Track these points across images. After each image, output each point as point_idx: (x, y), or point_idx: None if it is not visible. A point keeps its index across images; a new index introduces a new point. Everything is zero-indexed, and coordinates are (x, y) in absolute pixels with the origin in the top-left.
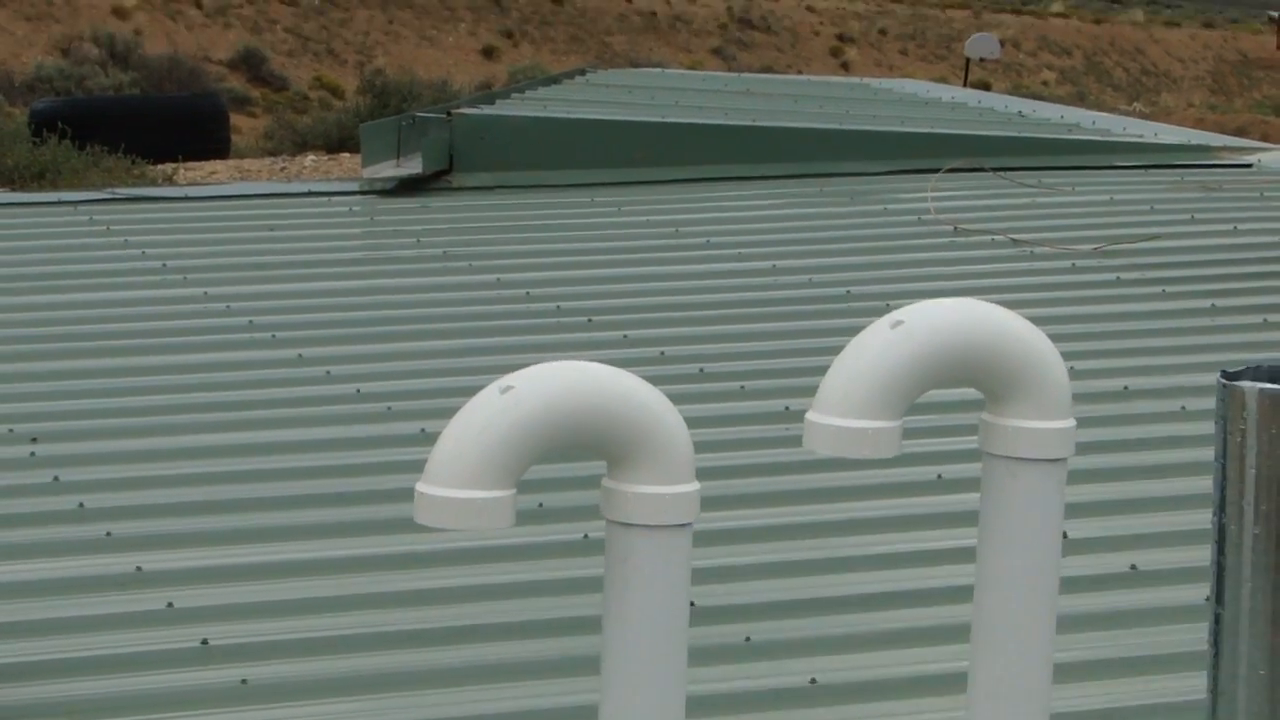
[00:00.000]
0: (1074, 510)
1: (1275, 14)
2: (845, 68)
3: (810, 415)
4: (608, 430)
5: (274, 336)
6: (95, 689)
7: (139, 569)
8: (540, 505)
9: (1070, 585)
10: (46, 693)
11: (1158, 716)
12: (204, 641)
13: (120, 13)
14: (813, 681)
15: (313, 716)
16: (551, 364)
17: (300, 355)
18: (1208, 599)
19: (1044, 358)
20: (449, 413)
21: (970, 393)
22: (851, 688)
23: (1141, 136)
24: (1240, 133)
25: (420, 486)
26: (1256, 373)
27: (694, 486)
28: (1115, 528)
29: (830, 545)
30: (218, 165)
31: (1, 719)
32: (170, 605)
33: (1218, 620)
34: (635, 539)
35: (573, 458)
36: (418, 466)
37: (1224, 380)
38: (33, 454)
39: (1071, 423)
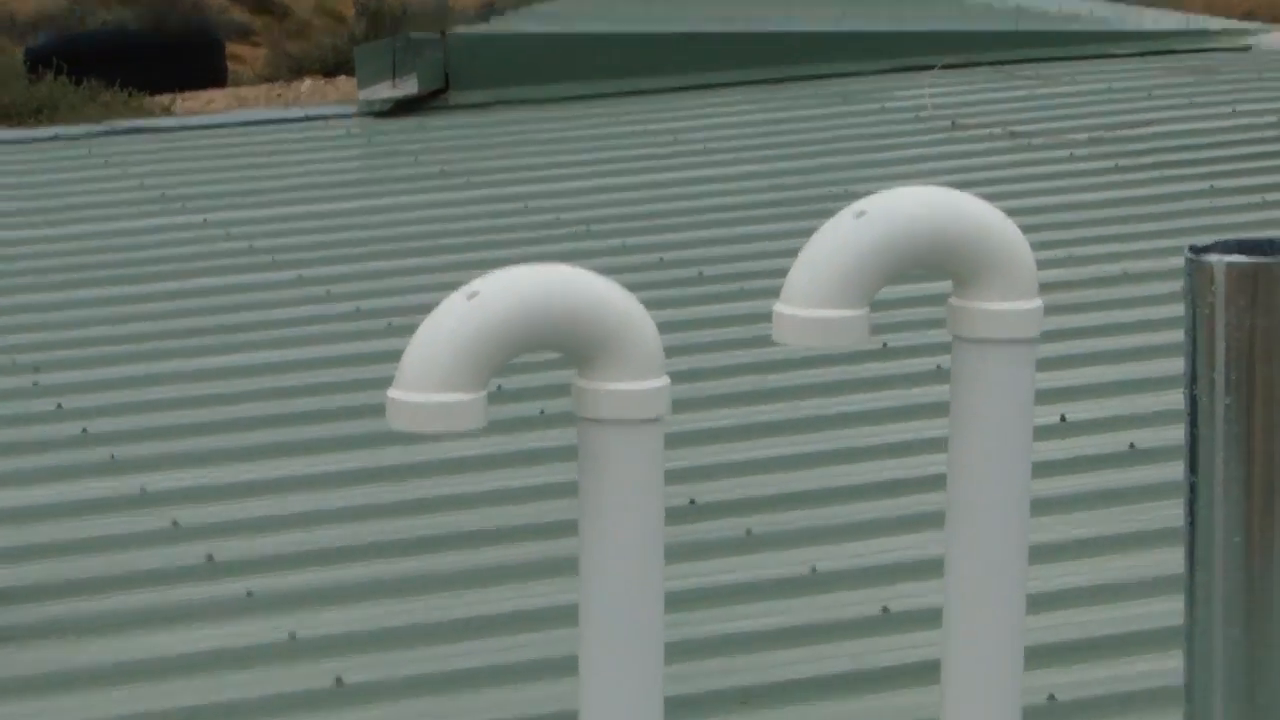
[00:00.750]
0: (1073, 393)
1: None
2: None
3: (777, 307)
4: (574, 331)
5: (273, 259)
6: (104, 606)
7: (143, 490)
8: (542, 412)
9: (1070, 466)
10: (56, 612)
11: (1153, 590)
12: (209, 557)
13: None
14: (813, 570)
15: (317, 625)
16: (516, 268)
17: (300, 276)
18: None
19: (1009, 240)
20: None
21: None
22: (852, 574)
23: (1139, 24)
24: (1249, 15)
25: (391, 392)
26: (1225, 246)
27: (664, 382)
28: (1114, 408)
29: (829, 438)
30: (215, 94)
31: (13, 638)
32: (175, 524)
33: (1193, 490)
34: (608, 434)
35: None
36: None
37: (1191, 254)
38: (35, 383)
39: (1038, 303)
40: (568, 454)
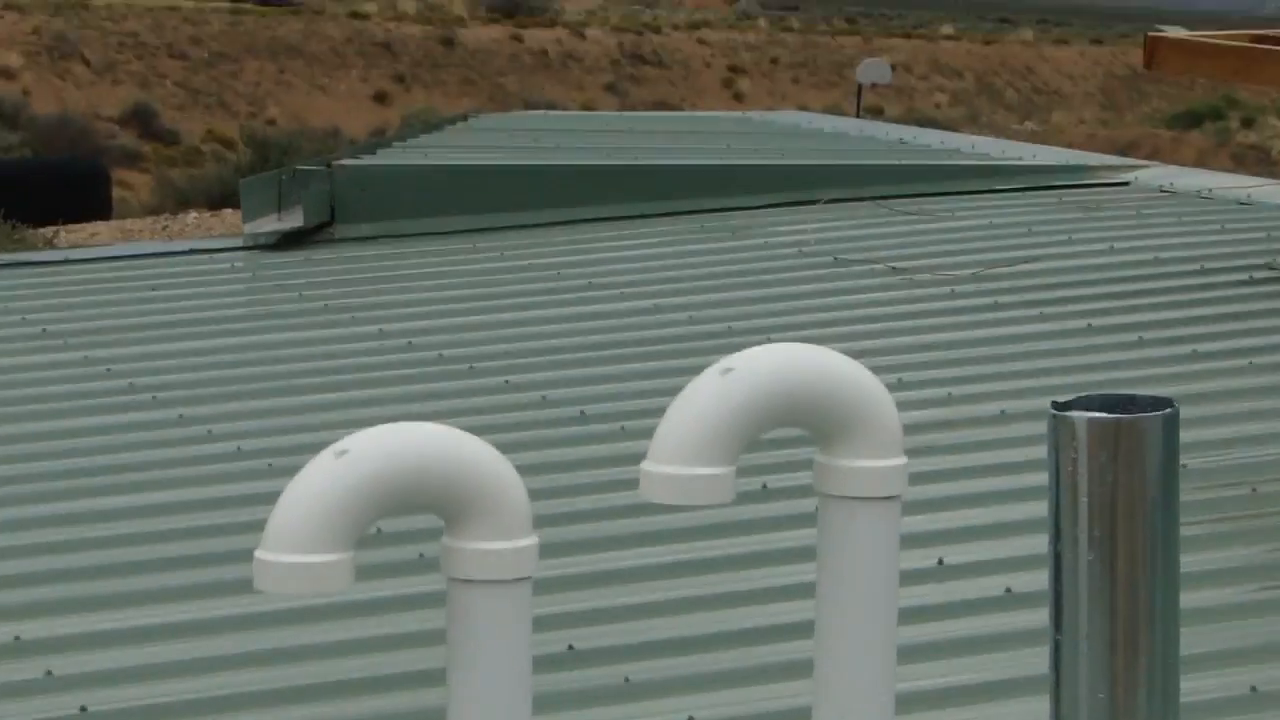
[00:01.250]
0: (951, 536)
1: (1161, 29)
2: (738, 98)
3: (645, 465)
4: (444, 491)
5: (154, 398)
6: None
7: (17, 638)
8: (421, 556)
9: (947, 611)
10: None
11: None
12: (83, 709)
13: (7, 73)
14: (689, 719)
15: None
16: (384, 426)
17: (181, 415)
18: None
19: (873, 398)
20: None
21: None
22: None
23: (1020, 159)
24: (1131, 146)
25: (259, 553)
26: (1087, 402)
27: (532, 540)
28: (991, 551)
29: (709, 582)
30: (100, 226)
31: None
32: (49, 673)
33: (1057, 647)
34: (476, 593)
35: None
36: None
37: (1054, 410)
38: None
39: (903, 460)
40: (440, 600)
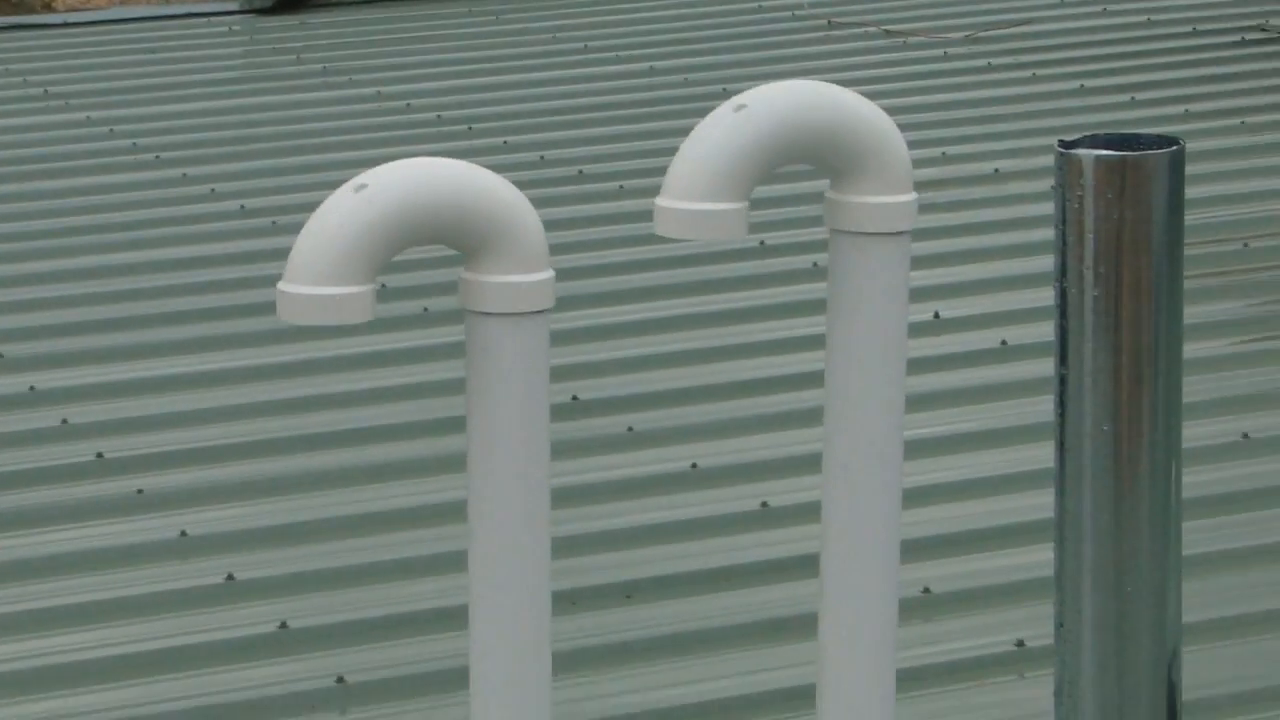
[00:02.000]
0: (946, 290)
1: None
2: None
3: (659, 201)
4: (461, 223)
5: (157, 157)
6: None
7: (32, 388)
8: (425, 310)
9: (943, 362)
10: None
11: (1025, 484)
12: (99, 455)
13: None
14: (693, 466)
15: (207, 523)
16: (403, 161)
17: (185, 174)
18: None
19: (885, 134)
20: None
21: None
22: (731, 470)
23: None
24: None
25: (281, 285)
26: (1093, 140)
27: (549, 274)
28: (986, 305)
29: (709, 335)
30: None
31: None
32: (65, 421)
33: (1063, 382)
34: (495, 325)
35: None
36: None
37: (1061, 149)
38: None
39: (913, 196)
40: (451, 351)
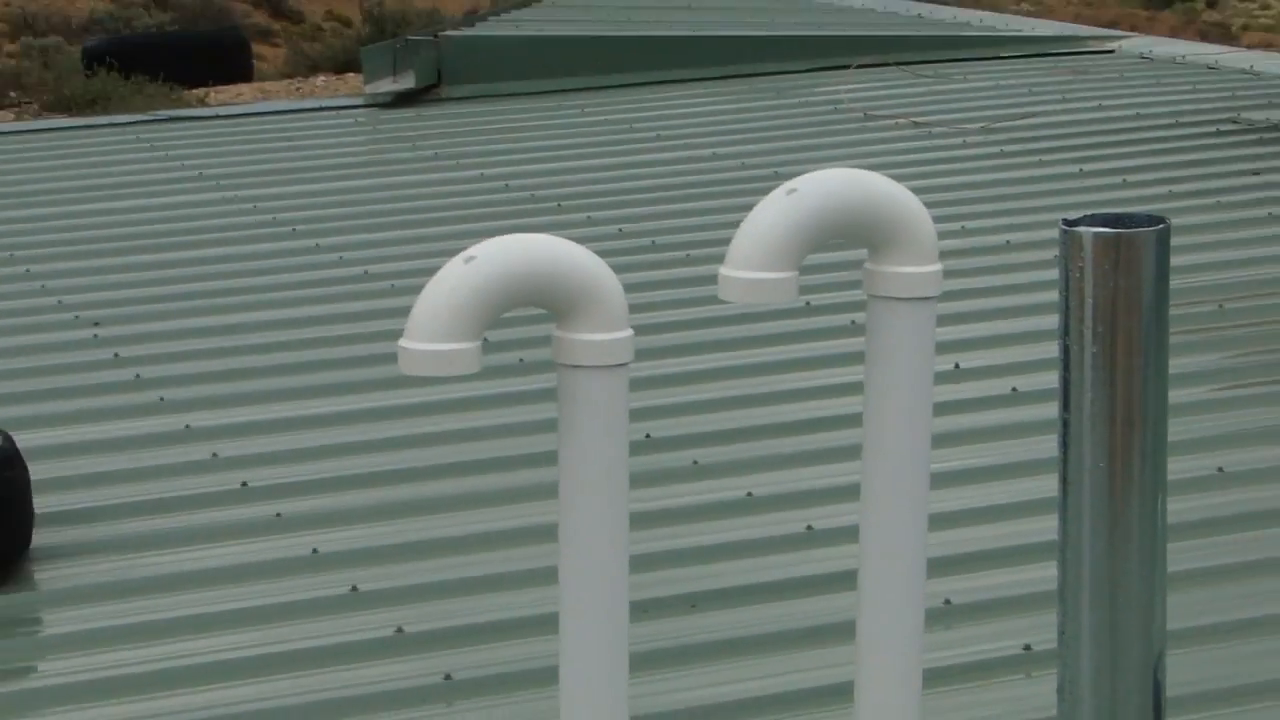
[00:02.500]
0: (965, 345)
1: None
2: None
3: (722, 270)
4: (554, 289)
5: (294, 230)
6: (157, 526)
7: (188, 427)
8: (520, 360)
9: (962, 406)
10: (122, 530)
11: (1032, 510)
12: (244, 484)
13: None
14: (749, 494)
15: (336, 542)
16: (506, 236)
17: (317, 244)
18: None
19: (914, 213)
20: None
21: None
22: (781, 497)
23: (1021, 31)
24: (1112, 23)
25: (402, 342)
26: (1092, 219)
27: (629, 333)
28: (999, 357)
29: (762, 383)
30: (243, 88)
31: (87, 552)
32: (214, 456)
33: (1065, 425)
34: (584, 377)
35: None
36: None
37: (1064, 226)
38: (95, 336)
39: (938, 267)
40: (543, 395)
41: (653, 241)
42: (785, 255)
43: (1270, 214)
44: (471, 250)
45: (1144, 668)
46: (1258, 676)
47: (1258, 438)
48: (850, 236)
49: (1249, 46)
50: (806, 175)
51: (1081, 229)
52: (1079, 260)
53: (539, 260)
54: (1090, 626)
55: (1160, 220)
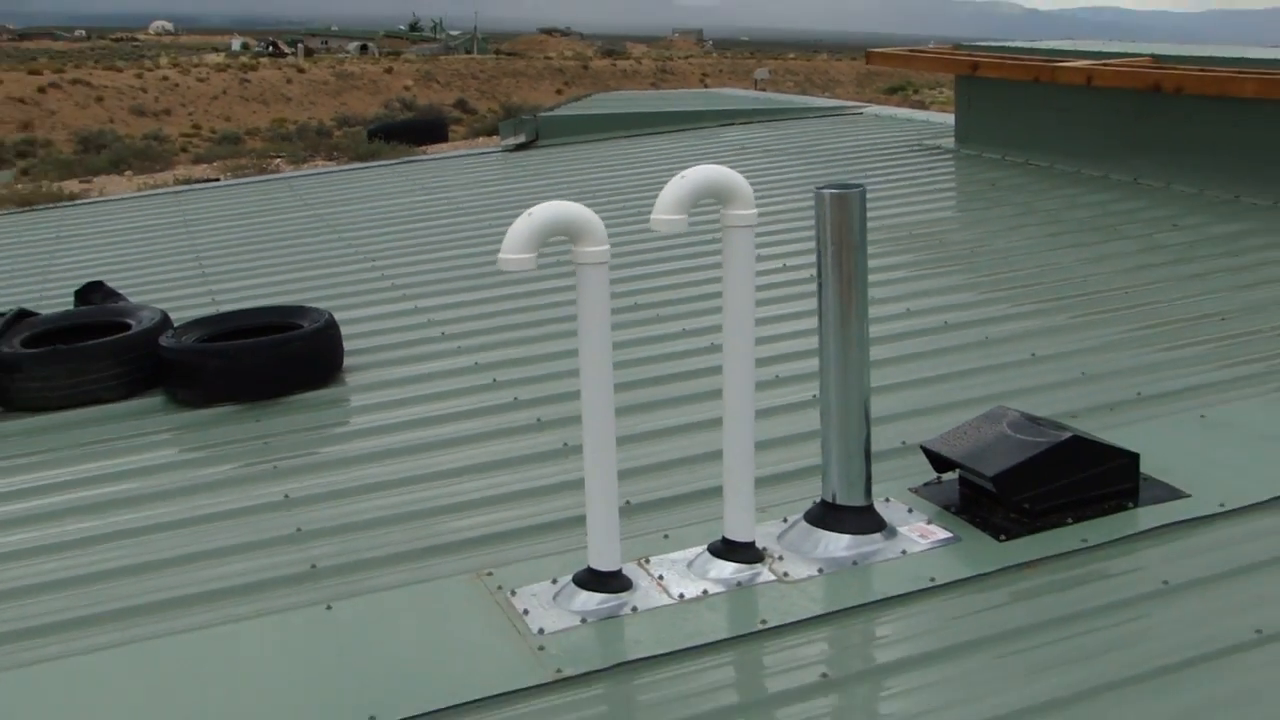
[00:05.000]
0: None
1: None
2: (706, 85)
3: (652, 215)
4: (570, 226)
5: (460, 208)
6: (405, 372)
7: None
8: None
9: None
10: (378, 373)
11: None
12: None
13: (406, 89)
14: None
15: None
16: (548, 203)
17: (477, 220)
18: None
19: (742, 184)
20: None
21: None
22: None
23: (818, 105)
24: (867, 101)
25: (500, 255)
26: (828, 186)
27: (607, 247)
28: (794, 267)
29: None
30: (443, 146)
31: (364, 370)
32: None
33: (821, 320)
34: (587, 271)
35: None
36: None
37: (817, 190)
38: (380, 273)
39: (755, 211)
40: None
41: (638, 210)
42: (682, 205)
43: (931, 186)
44: (530, 210)
45: (860, 414)
46: None
47: (930, 294)
48: (714, 195)
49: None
50: (697, 166)
51: (824, 191)
52: (823, 207)
53: (562, 212)
54: (835, 389)
55: (860, 186)
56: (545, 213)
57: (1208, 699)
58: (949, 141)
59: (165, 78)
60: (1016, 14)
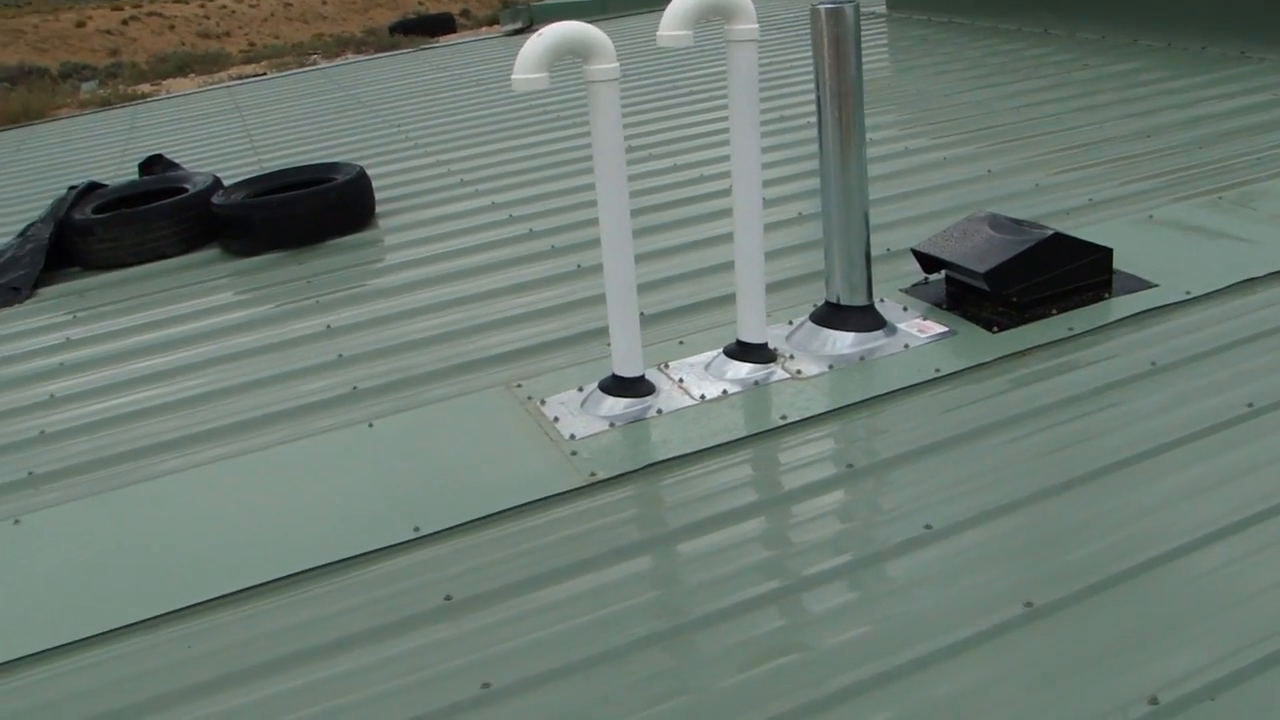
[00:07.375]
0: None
1: None
2: None
3: (659, 31)
4: (582, 45)
5: (477, 83)
6: (432, 213)
7: (462, 180)
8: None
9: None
10: (408, 217)
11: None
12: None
13: (420, 3)
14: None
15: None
16: (559, 22)
17: (489, 90)
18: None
19: (745, 2)
20: None
21: None
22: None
23: None
24: None
25: (513, 75)
26: (823, 3)
27: (616, 64)
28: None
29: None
30: (452, 36)
31: (392, 215)
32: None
33: (821, 146)
34: (597, 89)
35: None
36: None
37: (814, 5)
38: (413, 143)
39: (756, 25)
40: None
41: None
42: (689, 20)
43: (868, 44)
44: (541, 30)
45: (861, 220)
46: None
47: (880, 129)
48: (718, 14)
49: None
50: (552, 24)
51: (820, 7)
52: (818, 21)
53: (572, 31)
54: (837, 197)
55: (854, 1)
56: (556, 32)
57: (1211, 471)
58: (880, 7)
59: (224, 6)
60: None
